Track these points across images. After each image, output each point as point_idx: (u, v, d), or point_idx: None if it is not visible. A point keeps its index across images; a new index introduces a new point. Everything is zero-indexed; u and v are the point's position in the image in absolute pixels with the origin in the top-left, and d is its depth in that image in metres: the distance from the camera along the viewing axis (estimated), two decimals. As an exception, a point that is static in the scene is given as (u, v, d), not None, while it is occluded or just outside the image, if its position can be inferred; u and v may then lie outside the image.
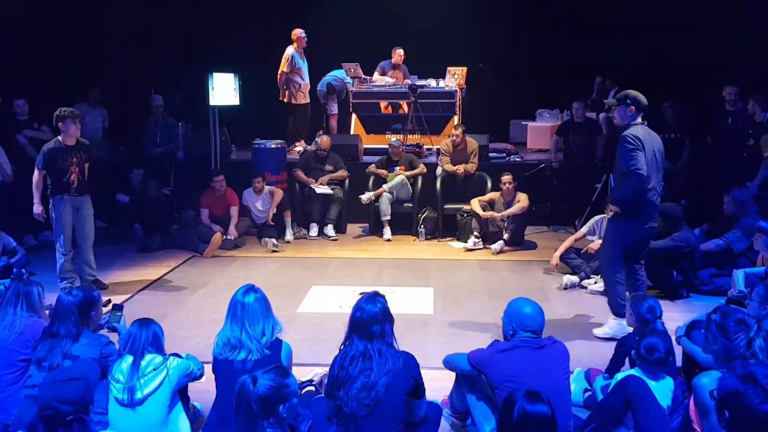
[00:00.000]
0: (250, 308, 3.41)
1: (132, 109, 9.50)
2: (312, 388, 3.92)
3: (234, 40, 10.87)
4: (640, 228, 4.98)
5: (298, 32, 9.64)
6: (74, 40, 9.23)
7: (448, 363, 3.66)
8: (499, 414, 2.69)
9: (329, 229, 8.36)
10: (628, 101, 4.93)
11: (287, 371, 2.83)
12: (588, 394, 3.86)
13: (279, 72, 9.66)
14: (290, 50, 9.62)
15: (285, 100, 9.82)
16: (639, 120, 4.94)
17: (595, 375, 3.96)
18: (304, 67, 9.78)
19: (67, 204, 6.09)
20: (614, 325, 5.07)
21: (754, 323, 3.18)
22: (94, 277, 6.38)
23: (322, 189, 8.42)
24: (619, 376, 3.56)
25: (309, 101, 10.06)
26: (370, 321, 3.13)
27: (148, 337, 3.37)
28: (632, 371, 3.50)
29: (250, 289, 3.51)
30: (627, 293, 5.15)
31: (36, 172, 6.03)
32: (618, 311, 5.04)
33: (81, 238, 6.25)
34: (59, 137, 6.08)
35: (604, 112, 9.35)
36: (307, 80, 9.90)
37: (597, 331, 5.17)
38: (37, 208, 6.08)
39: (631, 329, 4.49)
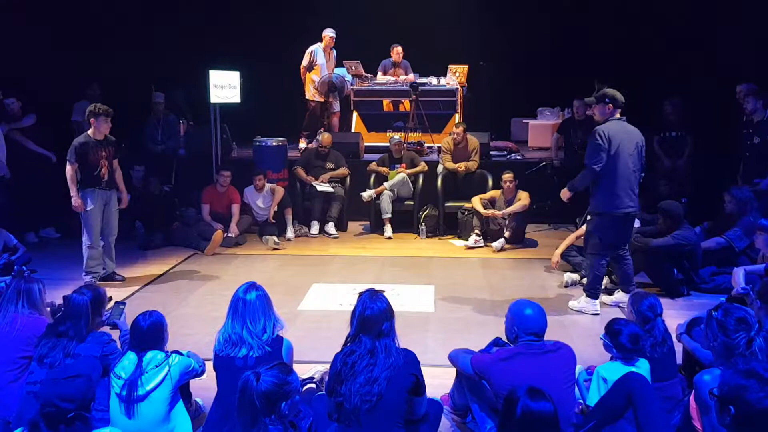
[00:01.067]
0: (251, 305, 3.42)
1: (133, 106, 9.50)
2: (313, 385, 3.92)
3: (235, 37, 10.88)
4: (613, 221, 5.38)
5: (326, 31, 9.69)
6: (74, 37, 9.23)
7: (453, 359, 3.66)
8: (500, 410, 2.69)
9: (330, 227, 8.36)
10: (606, 99, 5.32)
11: (290, 368, 2.84)
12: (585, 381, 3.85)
13: (301, 67, 9.80)
14: (312, 46, 9.70)
15: (307, 96, 9.90)
16: (617, 116, 5.32)
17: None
18: (323, 65, 9.77)
19: (98, 198, 6.24)
20: (584, 303, 5.66)
21: (756, 322, 3.18)
22: (113, 269, 6.52)
23: (323, 187, 8.42)
24: (601, 370, 3.56)
25: (324, 101, 10.01)
26: (381, 318, 3.15)
27: (148, 329, 3.39)
28: (632, 368, 3.51)
29: (252, 286, 3.51)
30: (605, 279, 5.96)
31: (69, 166, 6.12)
32: (591, 294, 5.62)
33: (107, 231, 6.39)
34: (89, 132, 6.22)
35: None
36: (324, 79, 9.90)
37: (571, 303, 5.77)
38: (76, 201, 6.15)
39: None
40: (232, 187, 8.18)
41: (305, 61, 9.68)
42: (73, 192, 6.13)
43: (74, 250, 6.57)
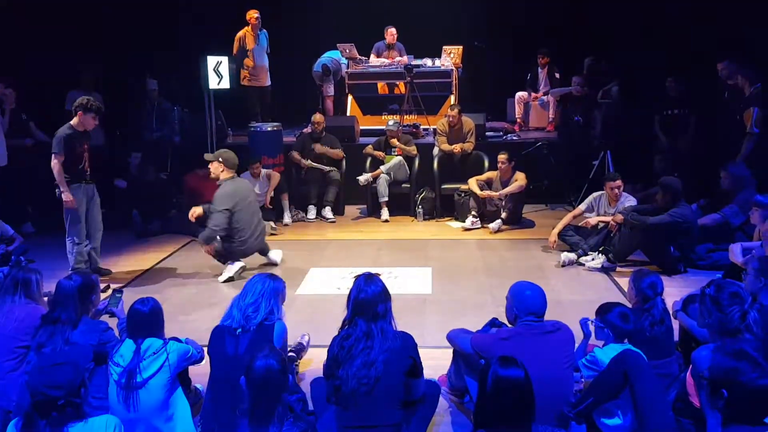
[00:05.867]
0: (252, 285, 3.52)
1: (127, 94, 9.44)
2: (292, 353, 4.01)
3: (227, 23, 10.78)
4: None
5: (250, 13, 9.56)
6: (69, 24, 9.15)
7: (451, 340, 3.67)
8: (477, 382, 2.71)
9: (327, 212, 8.35)
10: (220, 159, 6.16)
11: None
12: (584, 360, 3.86)
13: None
14: (240, 33, 9.58)
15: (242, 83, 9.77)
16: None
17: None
18: (255, 49, 9.63)
19: (83, 192, 6.02)
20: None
21: (749, 296, 3.19)
22: (98, 265, 6.39)
23: (314, 164, 8.38)
24: (597, 352, 3.57)
25: (265, 86, 9.86)
26: (375, 301, 3.16)
27: (146, 315, 3.40)
28: (625, 345, 3.52)
29: (271, 274, 3.68)
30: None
31: (56, 159, 5.81)
32: None
33: (94, 226, 6.20)
34: (72, 123, 5.93)
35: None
36: (261, 62, 9.73)
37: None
38: (68, 197, 5.88)
39: None
40: None
41: (235, 49, 9.54)
42: (64, 187, 5.86)
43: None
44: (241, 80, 9.68)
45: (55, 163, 5.83)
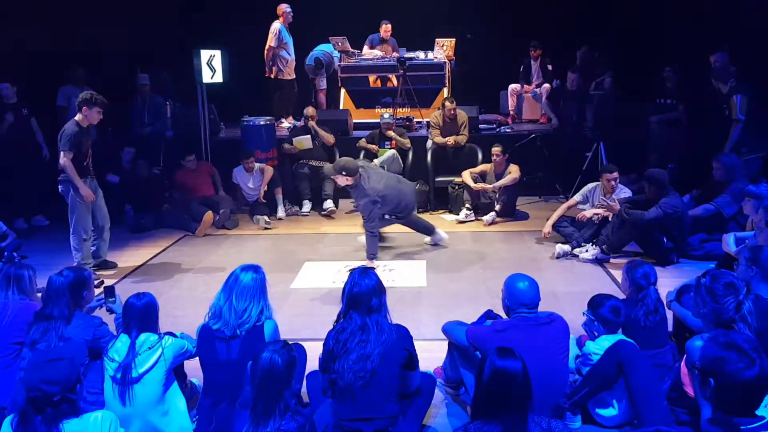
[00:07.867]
0: (242, 284, 3.39)
1: (118, 88, 9.39)
2: None
3: (219, 16, 10.76)
4: None
5: (283, 7, 9.56)
6: (59, 19, 9.10)
7: (446, 332, 3.68)
8: (474, 374, 2.71)
9: (329, 203, 8.24)
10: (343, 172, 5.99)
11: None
12: (579, 360, 3.89)
13: (266, 47, 9.58)
14: (277, 24, 9.52)
15: (272, 75, 9.73)
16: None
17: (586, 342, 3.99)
18: (290, 42, 9.70)
19: (89, 186, 5.99)
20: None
21: (743, 286, 3.21)
22: (106, 257, 6.39)
23: (301, 141, 8.38)
24: (590, 345, 3.59)
25: (295, 77, 9.98)
26: (369, 294, 3.16)
27: (140, 310, 3.39)
28: (619, 336, 3.53)
29: (252, 267, 3.49)
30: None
31: (65, 157, 5.76)
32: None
33: (102, 219, 6.21)
34: (77, 119, 5.90)
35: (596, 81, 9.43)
36: (293, 56, 9.81)
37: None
38: (86, 191, 5.87)
39: None
40: (201, 162, 8.36)
41: (273, 41, 9.50)
42: (79, 183, 5.82)
43: (65, 235, 6.47)
44: (275, 74, 9.66)
45: (65, 161, 5.79)
